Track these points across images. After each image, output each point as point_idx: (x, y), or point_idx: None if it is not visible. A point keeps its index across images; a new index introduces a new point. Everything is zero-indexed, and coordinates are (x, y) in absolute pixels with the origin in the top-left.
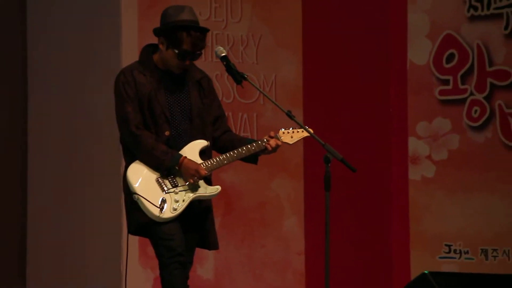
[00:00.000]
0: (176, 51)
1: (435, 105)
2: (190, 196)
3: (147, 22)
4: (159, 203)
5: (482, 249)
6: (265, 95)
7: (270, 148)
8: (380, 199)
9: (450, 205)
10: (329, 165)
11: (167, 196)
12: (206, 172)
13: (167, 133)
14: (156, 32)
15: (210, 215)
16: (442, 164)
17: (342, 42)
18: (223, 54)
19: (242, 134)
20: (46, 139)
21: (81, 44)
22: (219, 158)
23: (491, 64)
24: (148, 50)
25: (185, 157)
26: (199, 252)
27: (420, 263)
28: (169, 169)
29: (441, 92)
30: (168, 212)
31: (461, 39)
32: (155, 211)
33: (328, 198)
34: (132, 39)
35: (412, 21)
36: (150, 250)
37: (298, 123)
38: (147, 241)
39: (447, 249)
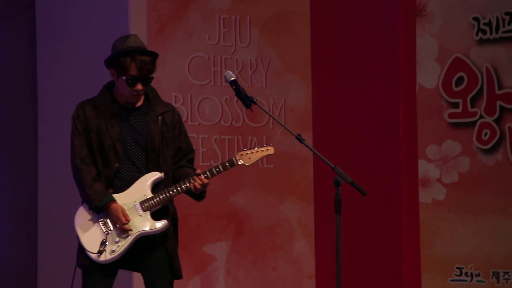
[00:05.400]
0: (124, 78)
1: (445, 128)
2: (132, 235)
3: (155, 47)
4: (99, 246)
5: (493, 272)
6: (275, 119)
7: (194, 189)
8: (390, 222)
9: (461, 228)
10: (339, 188)
11: (108, 237)
12: (128, 221)
13: (116, 164)
14: (106, 65)
15: (169, 243)
16: (452, 187)
17: (351, 66)
18: (232, 79)
19: None
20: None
21: (92, 70)
22: (158, 198)
23: (500, 87)
24: (110, 84)
25: (114, 202)
26: (210, 275)
27: (432, 286)
28: (97, 209)
29: (451, 115)
30: (105, 255)
31: (470, 62)
32: (93, 255)
33: (338, 221)
34: None
35: (420, 45)
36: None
37: (308, 147)
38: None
39: (458, 272)
